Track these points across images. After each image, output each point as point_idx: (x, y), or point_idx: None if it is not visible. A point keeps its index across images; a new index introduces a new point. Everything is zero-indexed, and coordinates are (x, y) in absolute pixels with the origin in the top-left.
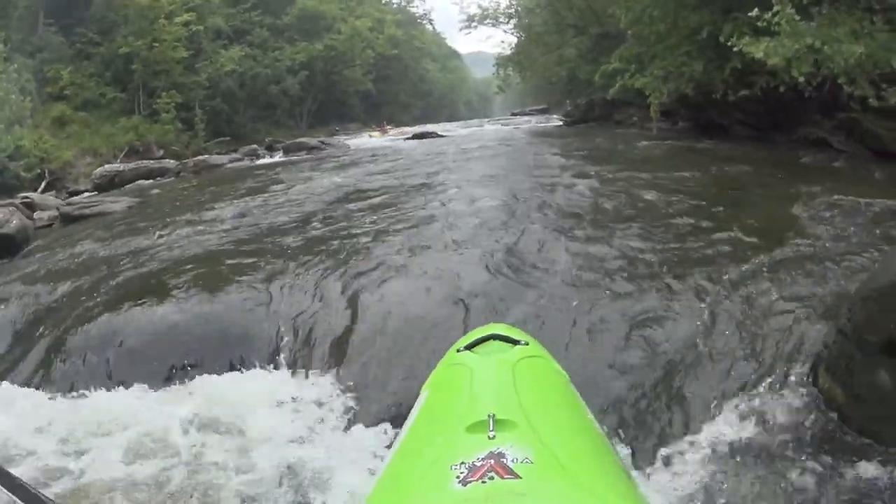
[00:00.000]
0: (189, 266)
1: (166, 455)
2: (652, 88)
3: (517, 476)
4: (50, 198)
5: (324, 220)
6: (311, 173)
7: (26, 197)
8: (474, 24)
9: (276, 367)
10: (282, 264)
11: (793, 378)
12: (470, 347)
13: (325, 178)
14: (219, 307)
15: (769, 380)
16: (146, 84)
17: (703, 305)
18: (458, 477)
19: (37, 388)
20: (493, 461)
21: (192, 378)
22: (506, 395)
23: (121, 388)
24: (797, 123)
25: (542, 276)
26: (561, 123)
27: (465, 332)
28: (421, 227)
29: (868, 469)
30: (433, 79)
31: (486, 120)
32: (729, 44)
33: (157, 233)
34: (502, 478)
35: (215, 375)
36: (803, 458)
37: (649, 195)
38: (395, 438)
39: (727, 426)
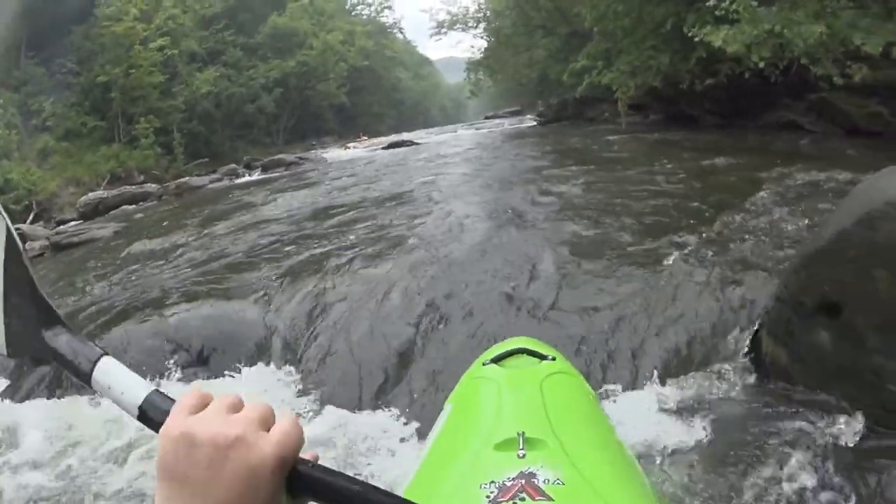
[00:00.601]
0: (176, 284)
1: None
2: (619, 83)
3: (549, 498)
4: (39, 228)
5: (301, 237)
6: (288, 190)
7: (17, 229)
8: (444, 30)
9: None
10: (265, 282)
11: (739, 342)
12: (496, 361)
13: (303, 194)
14: (206, 320)
15: (717, 344)
16: (125, 111)
17: (661, 278)
18: (488, 497)
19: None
20: (523, 481)
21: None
22: (535, 413)
23: None
24: (766, 108)
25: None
26: (534, 124)
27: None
28: (393, 239)
29: (810, 419)
30: (406, 87)
31: (461, 125)
32: (690, 34)
33: (143, 255)
34: (534, 499)
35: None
36: (749, 414)
37: (615, 186)
38: (419, 452)
39: (677, 385)
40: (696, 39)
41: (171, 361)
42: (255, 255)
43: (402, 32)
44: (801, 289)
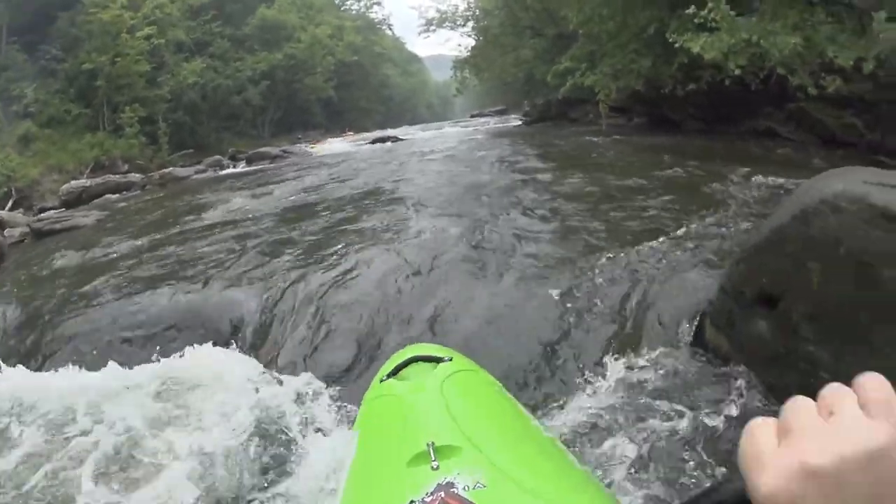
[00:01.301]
0: (154, 271)
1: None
2: (601, 86)
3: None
4: (18, 215)
5: (275, 230)
6: (270, 183)
7: None
8: (433, 27)
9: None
10: (238, 270)
11: (684, 331)
12: (393, 374)
13: (283, 187)
14: (178, 304)
15: (663, 334)
16: (110, 99)
17: (617, 271)
18: None
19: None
20: (442, 493)
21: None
22: (441, 419)
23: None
24: (747, 116)
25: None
26: (519, 123)
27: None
28: (372, 230)
29: (752, 404)
30: (394, 83)
31: (447, 122)
32: (671, 40)
33: (123, 242)
34: None
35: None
36: (688, 398)
37: (584, 186)
38: (336, 488)
39: (622, 374)
40: (676, 45)
41: (142, 342)
42: (230, 245)
43: (391, 29)
44: (741, 280)
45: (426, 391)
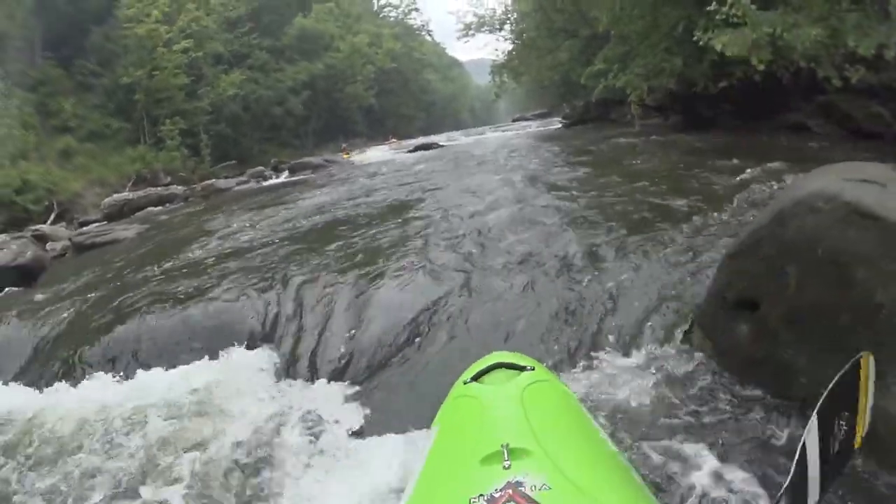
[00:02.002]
0: (187, 284)
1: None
2: (633, 86)
3: (536, 503)
4: (60, 229)
5: (313, 240)
6: (313, 192)
7: (37, 229)
8: (471, 32)
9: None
10: (272, 280)
11: (678, 335)
12: (476, 378)
13: (322, 198)
14: (215, 320)
15: (657, 335)
16: (149, 113)
17: (622, 273)
18: None
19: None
20: (511, 491)
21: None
22: (517, 424)
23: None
24: (779, 110)
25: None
26: (559, 126)
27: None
28: (392, 245)
29: (729, 409)
30: (435, 89)
31: (489, 127)
32: (695, 38)
33: (163, 256)
34: None
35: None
36: (682, 399)
37: (605, 187)
38: (410, 476)
39: (607, 373)
40: (700, 43)
41: (177, 351)
42: (266, 256)
43: (430, 34)
44: (725, 284)
45: (507, 397)
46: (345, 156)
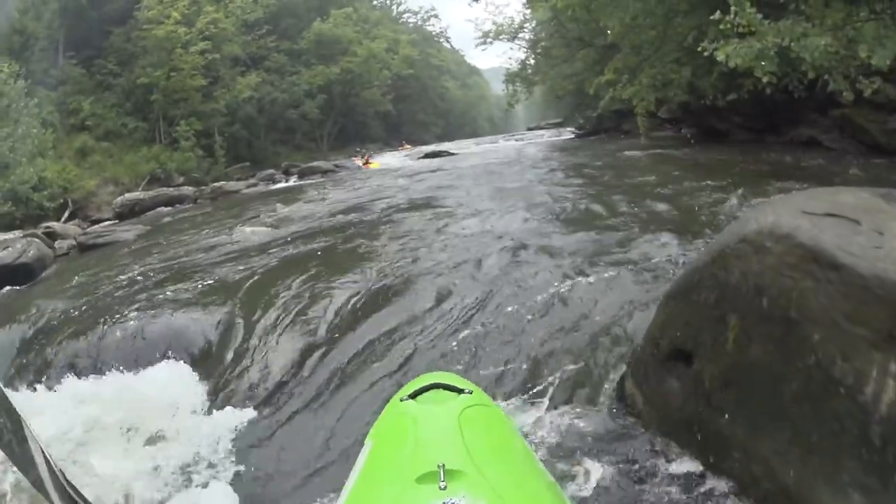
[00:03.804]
0: (175, 287)
1: None
2: (640, 97)
3: None
4: (71, 227)
5: (315, 245)
6: (319, 197)
7: (49, 227)
8: (489, 39)
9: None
10: (249, 290)
11: (610, 383)
12: (413, 396)
13: (324, 206)
14: (186, 322)
15: (591, 378)
16: (166, 113)
17: (577, 301)
18: None
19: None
20: None
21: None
22: (454, 445)
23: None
24: (794, 124)
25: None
26: (572, 136)
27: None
28: (373, 259)
29: (652, 474)
30: (453, 96)
31: (502, 136)
32: (700, 49)
33: (151, 260)
34: None
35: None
36: (603, 455)
37: (592, 202)
38: (340, 490)
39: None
40: (706, 54)
41: (116, 361)
42: (248, 265)
43: (448, 41)
44: (659, 331)
45: (444, 417)
46: (366, 165)
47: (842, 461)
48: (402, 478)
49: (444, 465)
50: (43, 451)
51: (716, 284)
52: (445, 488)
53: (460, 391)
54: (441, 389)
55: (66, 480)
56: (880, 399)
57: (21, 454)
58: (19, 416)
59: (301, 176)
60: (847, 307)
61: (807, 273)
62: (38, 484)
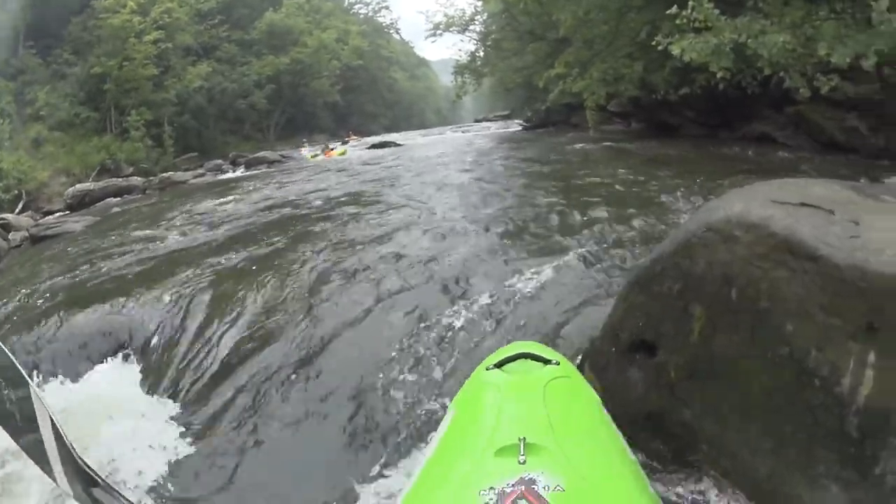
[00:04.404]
0: (102, 286)
1: None
2: (591, 91)
3: None
4: (24, 218)
5: (244, 241)
6: (263, 188)
7: (3, 218)
8: (440, 31)
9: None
10: (192, 283)
11: None
12: (499, 366)
13: (269, 195)
14: (123, 317)
15: None
16: (118, 103)
17: (523, 293)
18: (486, 503)
19: None
20: (523, 488)
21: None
22: (536, 418)
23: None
24: (747, 120)
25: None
26: (520, 129)
27: None
28: (316, 248)
29: None
30: (401, 88)
31: (449, 128)
32: (654, 43)
33: (97, 251)
34: None
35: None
36: None
37: (542, 196)
38: (420, 456)
39: None
40: (660, 48)
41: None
42: (192, 255)
43: (398, 33)
44: (619, 320)
45: (528, 389)
46: (327, 154)
47: (817, 454)
48: (481, 449)
49: (524, 439)
50: (54, 425)
51: (680, 274)
52: (525, 463)
53: (547, 361)
54: (528, 359)
55: (79, 457)
56: (858, 391)
57: (29, 430)
58: (30, 390)
59: (248, 166)
60: (823, 298)
61: (779, 263)
62: (41, 459)
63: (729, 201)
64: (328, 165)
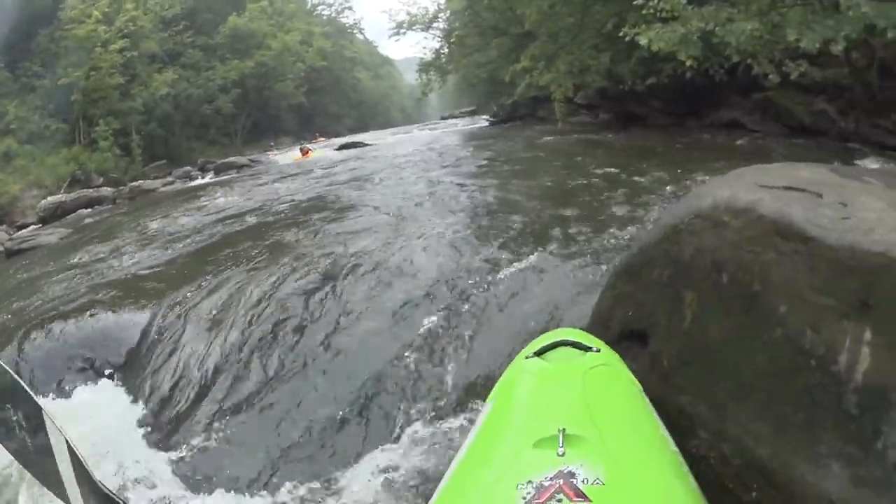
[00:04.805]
0: (96, 292)
1: None
2: (558, 84)
3: (587, 499)
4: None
5: (221, 250)
6: (232, 195)
7: None
8: (403, 30)
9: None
10: (166, 293)
11: None
12: (539, 354)
13: (240, 201)
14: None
15: None
16: (86, 113)
17: (502, 285)
18: (524, 497)
19: None
20: (562, 481)
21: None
22: (576, 408)
23: None
24: (715, 107)
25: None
26: (487, 124)
27: None
28: (292, 252)
29: None
30: (365, 88)
31: (416, 126)
32: (621, 34)
33: (73, 264)
34: (571, 500)
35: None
36: None
37: (513, 192)
38: (459, 447)
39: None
40: (627, 39)
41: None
42: (168, 267)
43: (362, 33)
44: (608, 310)
45: (568, 377)
46: (305, 155)
47: (817, 433)
48: (519, 440)
49: (563, 430)
50: (69, 445)
51: (669, 261)
52: (564, 455)
53: (588, 349)
54: (568, 347)
55: (98, 480)
56: (855, 368)
57: (43, 453)
58: (41, 410)
59: (217, 172)
60: (815, 279)
61: (769, 246)
62: (55, 481)
63: (715, 187)
64: (302, 166)
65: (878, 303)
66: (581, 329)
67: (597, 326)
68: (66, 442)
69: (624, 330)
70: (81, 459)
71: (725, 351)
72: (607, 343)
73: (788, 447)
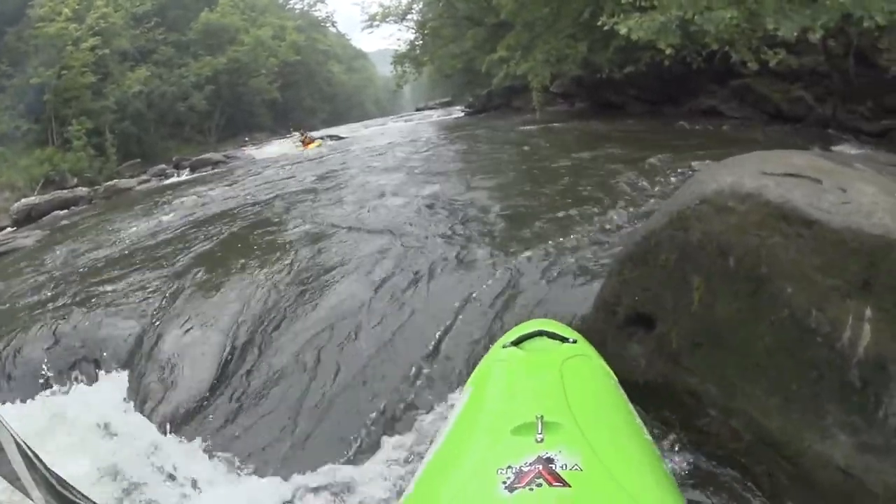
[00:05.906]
0: (79, 294)
1: None
2: (535, 73)
3: (566, 484)
4: None
5: (202, 247)
6: (209, 191)
7: None
8: (376, 22)
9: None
10: (147, 294)
11: None
12: (516, 343)
13: (218, 198)
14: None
15: None
16: (58, 113)
17: (493, 279)
18: (504, 482)
19: None
20: (541, 467)
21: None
22: (553, 396)
23: None
24: (692, 94)
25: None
26: (463, 115)
27: None
28: (277, 247)
29: None
30: (339, 81)
31: (391, 118)
32: (600, 23)
33: (50, 266)
34: (551, 485)
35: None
36: None
37: (490, 181)
38: (435, 435)
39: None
40: (605, 28)
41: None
42: (147, 265)
43: (334, 26)
44: (614, 296)
45: (546, 366)
46: (306, 146)
47: (824, 405)
48: (498, 427)
49: (542, 417)
50: (16, 441)
51: (675, 246)
52: (542, 441)
53: (564, 339)
54: (545, 337)
55: (49, 470)
56: (857, 344)
57: None
58: None
59: (193, 169)
60: (819, 261)
61: (774, 230)
62: (12, 477)
63: (718, 174)
64: (279, 161)
65: (879, 282)
66: (555, 320)
67: (602, 312)
68: (16, 442)
69: (630, 314)
70: (35, 461)
71: (734, 332)
72: (615, 327)
73: (796, 420)
